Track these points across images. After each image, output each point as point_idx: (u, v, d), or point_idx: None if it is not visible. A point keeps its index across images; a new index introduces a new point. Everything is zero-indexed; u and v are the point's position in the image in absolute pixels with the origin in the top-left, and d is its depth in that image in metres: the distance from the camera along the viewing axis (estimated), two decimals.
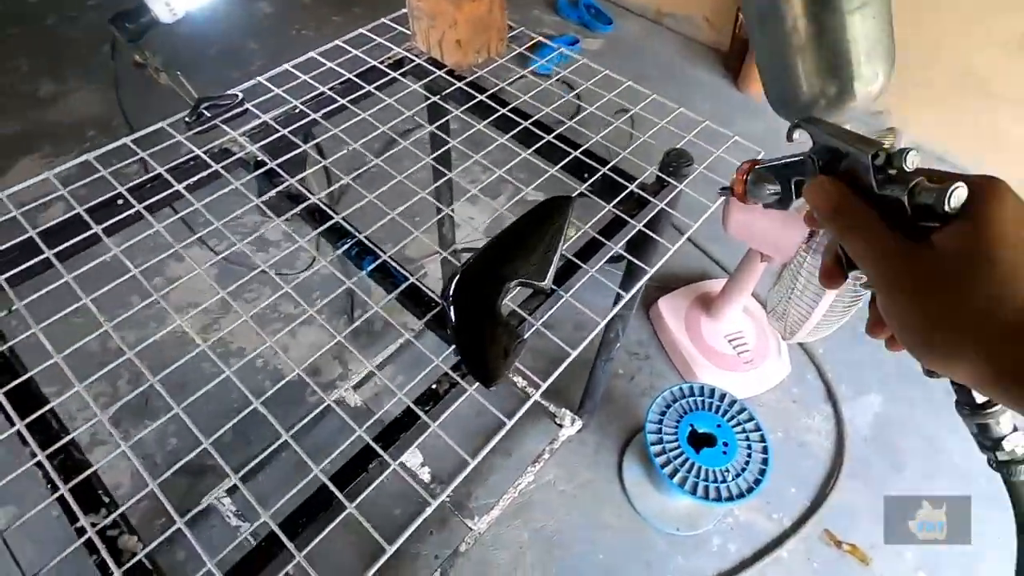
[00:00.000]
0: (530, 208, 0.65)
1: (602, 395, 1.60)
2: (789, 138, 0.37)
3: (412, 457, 1.35)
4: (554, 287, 0.64)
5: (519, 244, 0.63)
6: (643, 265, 0.71)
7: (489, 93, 0.85)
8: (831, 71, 0.34)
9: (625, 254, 0.70)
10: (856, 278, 0.35)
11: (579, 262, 0.67)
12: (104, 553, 0.45)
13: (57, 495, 0.48)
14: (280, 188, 0.71)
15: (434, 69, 0.89)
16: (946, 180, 0.28)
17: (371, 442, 0.54)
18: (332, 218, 0.68)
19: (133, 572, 0.46)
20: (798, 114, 0.35)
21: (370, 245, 0.66)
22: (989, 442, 0.32)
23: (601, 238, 0.69)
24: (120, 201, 0.68)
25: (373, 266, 0.65)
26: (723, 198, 1.07)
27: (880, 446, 1.54)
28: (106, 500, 0.49)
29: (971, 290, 0.27)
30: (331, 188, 0.73)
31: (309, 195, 0.70)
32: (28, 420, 0.51)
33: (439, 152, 0.82)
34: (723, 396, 1.32)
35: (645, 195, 0.74)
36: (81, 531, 0.47)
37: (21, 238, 0.64)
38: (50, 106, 2.25)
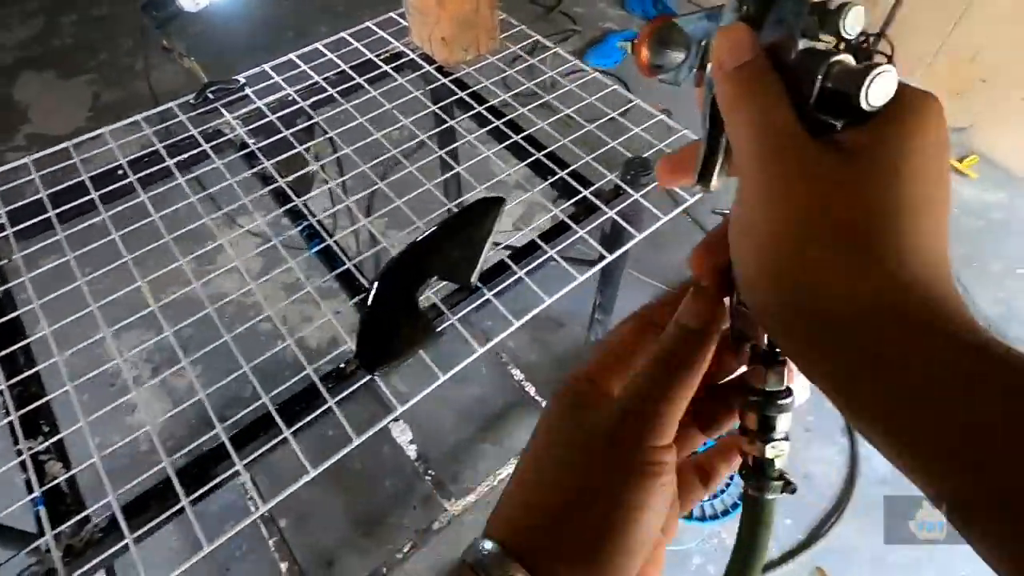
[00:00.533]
0: (464, 207, 0.67)
1: None
2: None
3: (402, 434, 1.41)
4: (479, 284, 0.66)
5: (447, 240, 0.65)
6: (605, 261, 0.71)
7: (469, 91, 0.87)
8: None
9: (558, 257, 0.70)
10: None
11: (511, 263, 0.68)
12: (31, 473, 0.53)
13: (7, 420, 0.56)
14: (255, 170, 0.77)
15: (425, 64, 0.92)
16: (869, 68, 0.21)
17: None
18: (292, 201, 0.73)
19: (52, 493, 0.53)
20: None
21: (318, 229, 0.71)
22: (761, 440, 0.25)
23: (539, 240, 0.70)
24: (120, 171, 0.77)
25: (317, 248, 0.70)
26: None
27: (896, 491, 1.43)
28: (46, 430, 0.57)
29: (873, 216, 0.20)
30: (300, 172, 0.78)
31: (277, 178, 0.76)
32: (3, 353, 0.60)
33: (414, 142, 0.85)
34: None
35: (597, 202, 0.74)
36: (20, 453, 0.55)
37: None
38: (142, 78, 2.49)
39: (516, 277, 0.68)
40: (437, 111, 0.86)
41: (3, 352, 0.61)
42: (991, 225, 1.99)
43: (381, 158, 0.82)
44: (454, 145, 0.97)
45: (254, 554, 1.38)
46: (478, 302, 0.66)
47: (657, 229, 0.74)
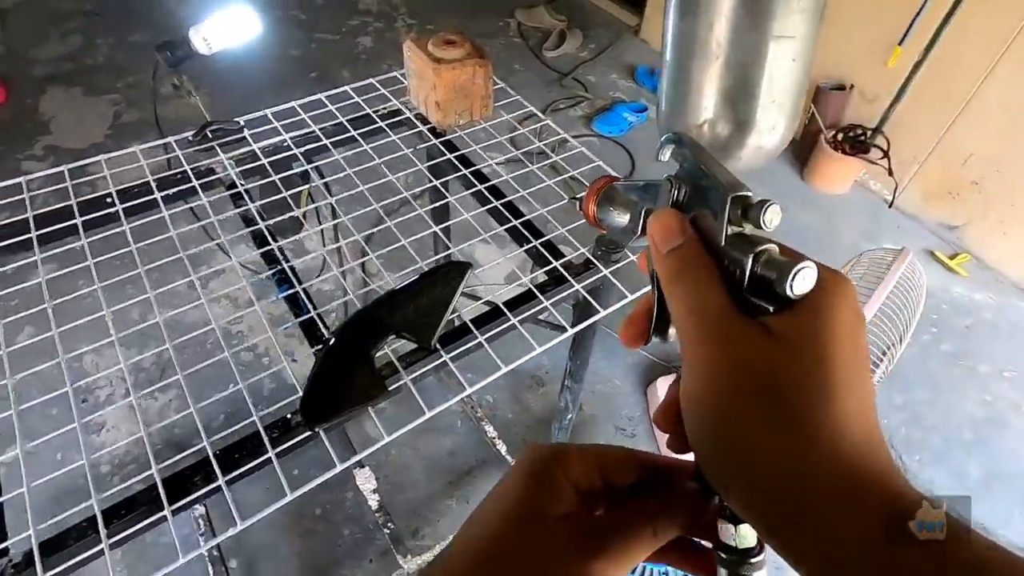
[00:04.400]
0: (431, 269, 0.69)
1: None
2: (657, 155, 0.31)
3: (366, 482, 1.38)
4: (437, 346, 0.66)
5: (411, 299, 0.66)
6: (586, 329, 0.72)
7: (458, 154, 0.90)
8: (731, 100, 0.29)
9: (519, 325, 0.71)
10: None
11: (473, 328, 0.69)
12: None
13: None
14: (239, 210, 0.79)
15: (419, 124, 0.96)
16: (795, 258, 0.24)
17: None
18: (269, 245, 0.75)
19: None
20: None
21: (289, 275, 0.72)
22: None
23: (503, 307, 0.71)
24: (108, 199, 0.79)
25: (285, 293, 0.71)
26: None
27: None
28: None
29: (798, 391, 0.22)
30: (284, 216, 0.80)
31: (259, 221, 0.78)
32: None
33: (403, 196, 0.88)
34: None
35: (566, 274, 0.75)
36: None
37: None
38: (168, 103, 2.58)
39: (476, 342, 0.68)
40: (424, 170, 0.89)
41: None
42: (980, 324, 2.00)
43: (372, 207, 0.84)
44: (443, 201, 1.00)
45: None
46: (435, 363, 0.66)
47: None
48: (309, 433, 0.58)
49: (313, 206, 0.84)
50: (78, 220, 0.76)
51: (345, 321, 0.65)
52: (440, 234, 0.86)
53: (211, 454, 0.56)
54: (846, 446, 0.22)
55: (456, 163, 0.89)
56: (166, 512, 0.53)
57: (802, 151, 2.45)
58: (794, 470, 0.22)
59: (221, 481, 0.55)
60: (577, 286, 0.74)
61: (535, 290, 0.73)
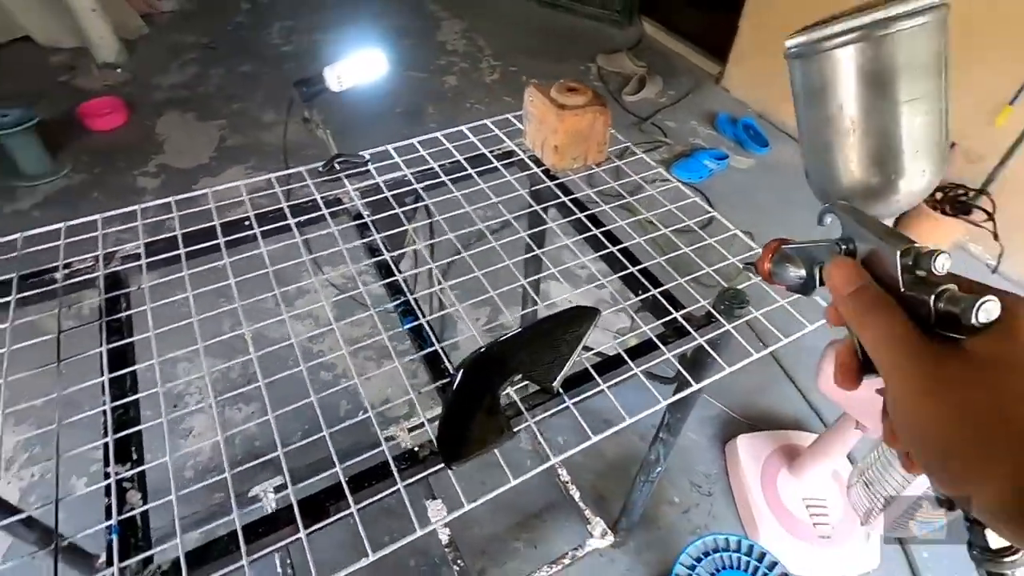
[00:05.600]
0: (559, 311, 0.69)
1: (648, 521, 1.51)
2: (820, 222, 0.35)
3: (437, 514, 1.37)
4: (560, 390, 0.66)
5: (538, 341, 0.66)
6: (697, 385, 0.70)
7: (572, 197, 0.91)
8: (876, 162, 0.32)
9: (642, 376, 0.69)
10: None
11: (595, 374, 0.68)
12: (113, 499, 0.55)
13: (103, 441, 0.59)
14: (366, 240, 0.83)
15: (533, 166, 0.98)
16: (976, 291, 0.27)
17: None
18: (394, 276, 0.77)
19: (127, 523, 0.54)
20: (833, 199, 0.33)
21: (414, 307, 0.74)
22: None
23: (626, 356, 0.70)
24: (247, 223, 0.84)
25: (410, 326, 0.72)
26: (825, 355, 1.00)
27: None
28: (135, 458, 0.59)
29: (1004, 400, 0.24)
30: (405, 248, 0.83)
31: (384, 252, 0.81)
32: (113, 375, 0.65)
33: (519, 235, 0.89)
34: (772, 565, 1.18)
35: (687, 326, 0.74)
36: (107, 475, 0.57)
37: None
38: (266, 130, 2.76)
39: (599, 389, 0.67)
40: (539, 210, 0.90)
41: (115, 374, 0.65)
42: None
43: (473, 239, 0.85)
44: (550, 248, 1.01)
45: None
46: (558, 408, 0.66)
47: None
48: (438, 469, 0.58)
49: (423, 244, 0.87)
50: (221, 240, 0.81)
51: (471, 357, 0.65)
52: (519, 277, 0.86)
53: (343, 480, 0.57)
54: None
55: (571, 206, 0.90)
56: (302, 535, 0.54)
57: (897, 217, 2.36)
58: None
59: (354, 508, 0.55)
60: (699, 339, 0.73)
61: (656, 340, 0.72)
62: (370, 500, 0.57)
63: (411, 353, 0.72)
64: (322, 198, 0.89)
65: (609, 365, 0.70)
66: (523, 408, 0.65)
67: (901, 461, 0.31)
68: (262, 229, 0.83)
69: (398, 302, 0.75)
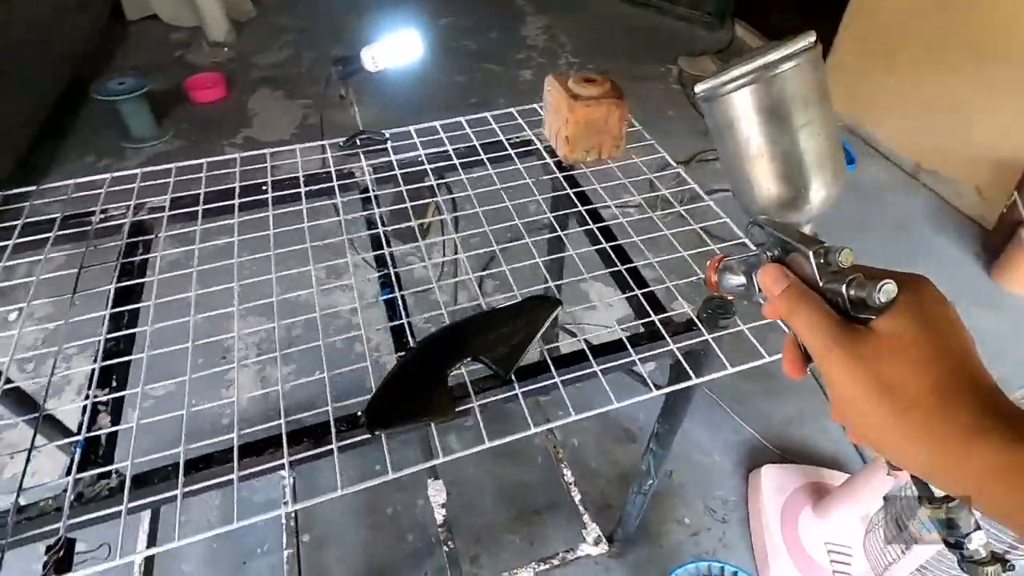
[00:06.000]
0: (521, 300, 0.68)
1: (652, 537, 1.46)
2: (747, 234, 0.43)
3: (437, 494, 1.39)
4: (512, 377, 0.65)
5: (496, 327, 0.66)
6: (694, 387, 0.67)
7: (577, 190, 0.89)
8: (785, 180, 0.37)
9: (600, 374, 0.67)
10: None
11: (552, 367, 0.67)
12: (85, 417, 0.61)
13: (92, 367, 0.66)
14: (364, 213, 0.86)
15: (547, 156, 0.97)
16: (877, 276, 0.32)
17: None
18: (381, 248, 0.80)
19: (93, 440, 0.60)
20: (756, 215, 0.40)
21: (392, 280, 0.76)
22: (953, 539, 0.31)
23: (588, 352, 0.68)
24: (264, 187, 0.90)
25: (385, 297, 0.74)
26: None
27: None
28: (114, 385, 0.65)
29: (902, 367, 0.30)
30: (406, 223, 0.85)
31: (379, 226, 0.83)
32: (114, 311, 0.71)
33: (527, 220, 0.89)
34: None
35: (663, 330, 0.70)
36: (87, 398, 0.64)
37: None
38: (344, 111, 2.90)
39: (552, 381, 0.66)
40: (541, 201, 0.89)
41: (115, 310, 0.72)
42: None
43: (494, 228, 0.86)
44: (555, 234, 1.00)
45: (273, 556, 1.43)
46: (506, 395, 0.65)
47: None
48: (364, 436, 0.59)
49: (436, 218, 0.88)
50: (236, 201, 0.87)
51: (430, 334, 0.66)
52: (542, 266, 0.85)
53: (332, 419, 0.60)
54: (970, 391, 0.29)
55: (574, 198, 0.88)
56: (284, 461, 0.57)
57: (994, 242, 2.11)
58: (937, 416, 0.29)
59: (286, 459, 0.58)
60: (672, 345, 0.69)
61: (626, 341, 0.69)
62: (305, 454, 0.59)
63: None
64: (336, 171, 0.93)
65: (576, 359, 0.68)
66: (472, 391, 0.64)
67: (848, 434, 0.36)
68: (275, 195, 0.88)
69: (381, 274, 0.78)
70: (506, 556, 1.44)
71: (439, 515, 1.39)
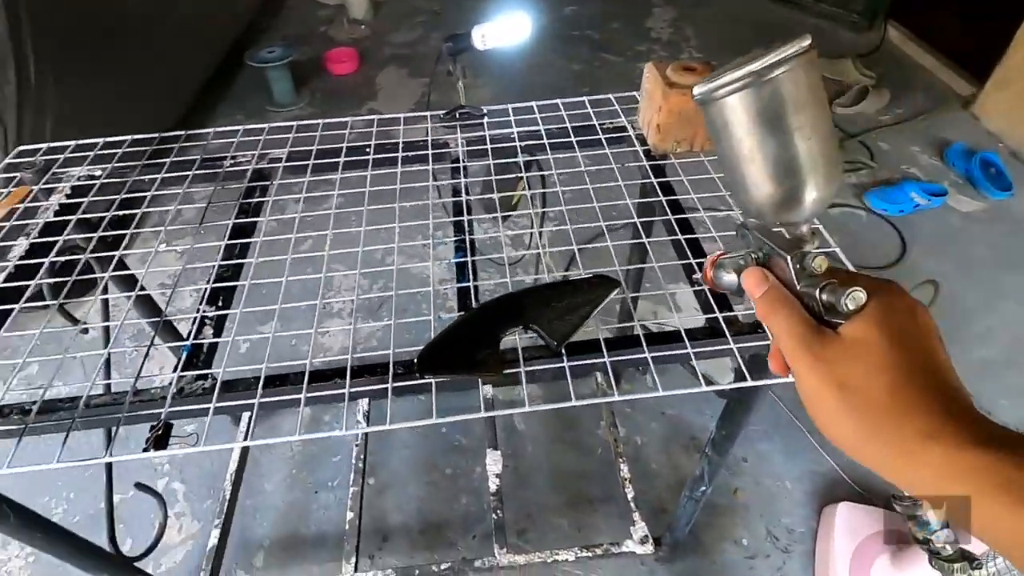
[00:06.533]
0: (584, 277, 0.69)
1: (705, 550, 1.42)
2: (737, 236, 0.44)
3: (494, 464, 1.44)
4: (562, 351, 0.67)
5: (555, 299, 0.68)
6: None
7: (662, 180, 0.88)
8: (779, 181, 0.38)
9: (651, 365, 0.67)
10: None
11: (604, 348, 0.68)
12: (194, 327, 0.71)
13: (205, 286, 0.77)
14: (451, 181, 0.91)
15: (636, 144, 0.96)
16: (852, 283, 0.34)
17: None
18: (462, 215, 0.84)
19: (197, 347, 0.70)
20: (752, 216, 0.41)
21: (466, 246, 0.80)
22: (921, 536, 0.34)
23: (643, 339, 0.68)
24: (367, 149, 0.98)
25: (457, 260, 0.79)
26: None
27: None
28: (219, 304, 0.76)
29: (865, 372, 0.31)
30: (489, 195, 0.89)
31: (463, 195, 0.88)
32: (229, 242, 0.82)
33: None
34: None
35: (724, 327, 0.69)
36: (198, 311, 0.74)
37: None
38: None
39: (601, 360, 0.67)
40: (624, 187, 0.89)
41: (230, 241, 0.83)
42: None
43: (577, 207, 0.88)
44: (638, 220, 0.99)
45: (340, 491, 1.56)
46: (552, 366, 0.67)
47: None
48: (410, 380, 0.64)
49: (521, 193, 0.91)
50: (341, 159, 0.96)
51: (491, 299, 0.70)
52: (613, 252, 0.85)
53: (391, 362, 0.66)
54: (935, 389, 0.30)
55: (657, 187, 0.87)
56: (345, 391, 0.65)
57: None
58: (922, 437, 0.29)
59: (347, 390, 0.64)
60: (732, 344, 0.67)
61: (684, 333, 0.68)
62: (367, 388, 0.65)
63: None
64: (432, 140, 0.99)
65: (624, 344, 0.68)
66: (520, 356, 0.67)
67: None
68: (375, 157, 0.96)
69: (457, 239, 0.82)
70: (553, 537, 1.46)
71: (493, 484, 1.44)
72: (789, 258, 0.37)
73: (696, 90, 0.38)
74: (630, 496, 1.39)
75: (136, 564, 0.99)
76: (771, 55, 0.34)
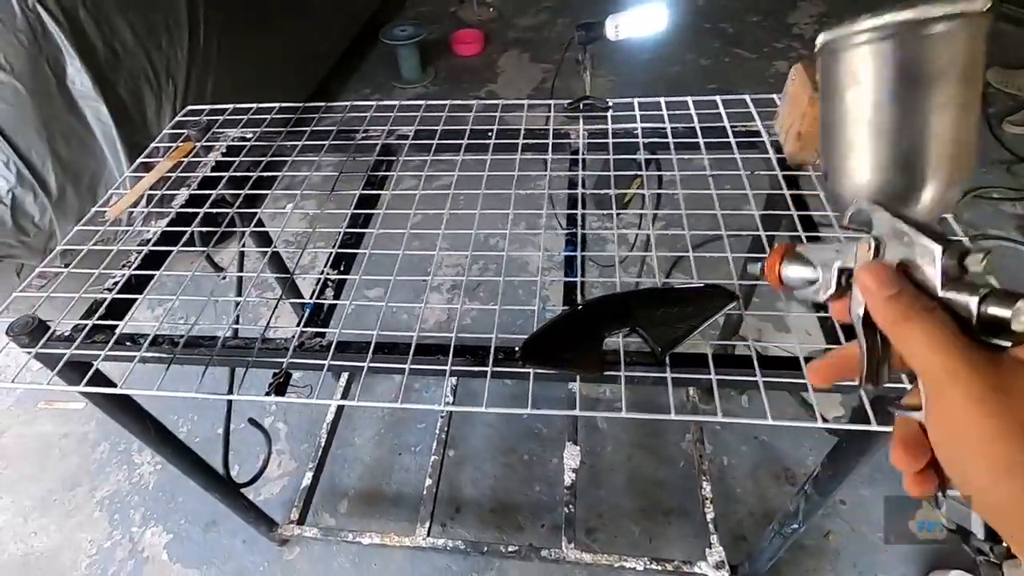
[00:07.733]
0: (698, 286, 0.66)
1: None
2: (846, 220, 0.34)
3: (571, 458, 1.44)
4: (666, 359, 0.65)
5: (666, 306, 0.66)
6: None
7: (794, 192, 0.82)
8: (900, 164, 0.31)
9: (763, 387, 0.63)
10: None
11: (711, 364, 0.64)
12: (317, 287, 0.77)
13: (331, 251, 0.82)
14: (569, 173, 0.90)
15: (770, 150, 0.90)
16: (1017, 295, 0.26)
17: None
18: (576, 209, 0.84)
19: (317, 306, 0.76)
20: (847, 202, 0.33)
21: (577, 240, 0.79)
22: None
23: (755, 362, 0.64)
24: (489, 134, 0.99)
25: (567, 254, 0.78)
26: None
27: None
28: (341, 268, 0.81)
29: None
30: (602, 191, 0.87)
31: (579, 187, 0.87)
32: (355, 211, 0.87)
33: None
34: None
35: None
36: (322, 273, 0.80)
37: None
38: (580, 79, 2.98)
39: (707, 377, 0.64)
40: (751, 196, 0.84)
41: (356, 211, 0.88)
42: None
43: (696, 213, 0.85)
44: (763, 233, 0.93)
45: (421, 457, 1.63)
46: (654, 374, 0.65)
47: None
48: (511, 366, 0.65)
49: (637, 191, 0.89)
50: (464, 141, 0.98)
51: (600, 297, 0.69)
52: (731, 263, 0.81)
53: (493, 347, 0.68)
54: None
55: (789, 200, 0.81)
56: (447, 368, 0.67)
57: None
58: None
59: (448, 367, 0.66)
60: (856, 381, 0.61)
61: (802, 361, 0.63)
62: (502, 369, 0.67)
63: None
64: (554, 130, 0.99)
65: (732, 363, 0.65)
66: (622, 359, 0.66)
67: (904, 481, 0.30)
68: (496, 142, 0.97)
69: (568, 232, 0.82)
70: (622, 542, 1.44)
71: (569, 477, 1.44)
72: (939, 252, 0.28)
73: (825, 35, 0.31)
74: (709, 517, 1.34)
75: (241, 490, 1.10)
76: (935, 7, 0.28)
